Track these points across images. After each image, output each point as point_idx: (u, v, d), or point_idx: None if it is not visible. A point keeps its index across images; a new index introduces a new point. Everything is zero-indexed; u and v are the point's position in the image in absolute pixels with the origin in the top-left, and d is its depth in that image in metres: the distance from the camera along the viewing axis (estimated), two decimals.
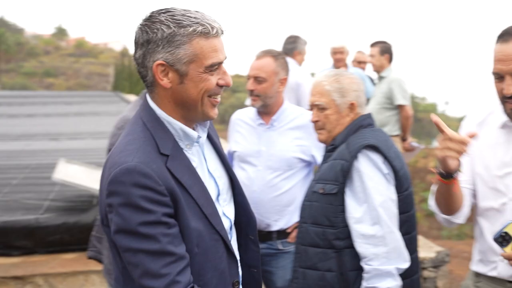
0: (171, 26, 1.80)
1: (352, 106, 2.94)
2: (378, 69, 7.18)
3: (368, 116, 2.99)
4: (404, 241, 2.76)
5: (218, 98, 1.93)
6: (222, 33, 1.89)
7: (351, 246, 2.76)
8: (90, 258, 3.86)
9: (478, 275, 2.65)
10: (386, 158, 2.77)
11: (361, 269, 2.74)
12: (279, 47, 6.60)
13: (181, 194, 1.82)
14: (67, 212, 5.61)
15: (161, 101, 1.90)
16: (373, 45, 7.27)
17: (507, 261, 2.36)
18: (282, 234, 3.55)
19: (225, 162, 2.13)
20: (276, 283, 3.58)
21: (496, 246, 2.44)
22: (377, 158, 2.77)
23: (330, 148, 2.93)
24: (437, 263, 5.73)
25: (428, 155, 19.33)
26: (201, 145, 2.01)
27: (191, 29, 1.81)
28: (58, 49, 67.43)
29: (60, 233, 5.42)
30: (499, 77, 2.38)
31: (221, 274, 1.94)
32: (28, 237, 5.36)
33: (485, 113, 2.68)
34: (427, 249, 5.86)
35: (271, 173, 3.51)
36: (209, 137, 2.09)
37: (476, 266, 2.65)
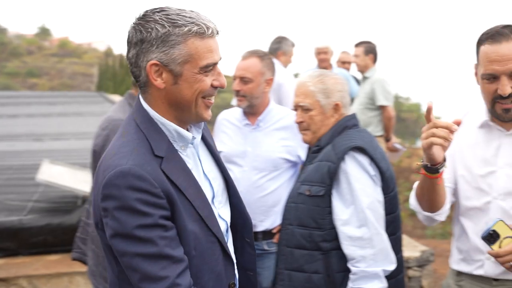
0: (166, 25, 1.78)
1: (336, 107, 2.94)
2: (363, 69, 7.20)
3: (353, 116, 3.00)
4: (390, 242, 2.77)
5: (212, 100, 1.91)
6: (218, 34, 1.87)
7: (338, 248, 2.76)
8: (74, 259, 3.84)
9: (460, 274, 2.66)
10: (372, 160, 2.78)
11: (348, 271, 2.75)
12: (265, 48, 6.60)
13: (177, 196, 1.80)
14: (51, 213, 5.57)
15: (154, 102, 1.87)
16: (357, 45, 7.29)
17: (493, 259, 2.38)
18: (268, 234, 3.55)
19: (220, 163, 2.11)
20: (262, 284, 3.58)
21: (482, 245, 2.46)
22: (363, 159, 2.77)
23: (315, 149, 2.93)
24: (422, 263, 5.76)
25: (412, 154, 19.41)
26: (195, 147, 1.98)
27: (186, 28, 1.79)
28: (41, 49, 66.86)
29: (44, 234, 5.39)
30: (492, 77, 2.40)
31: (217, 277, 1.93)
32: (12, 239, 5.32)
33: (460, 115, 2.70)
34: (412, 249, 5.90)
35: (257, 173, 3.51)
36: (203, 139, 2.07)
37: (457, 265, 2.67)
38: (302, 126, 2.99)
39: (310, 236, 2.79)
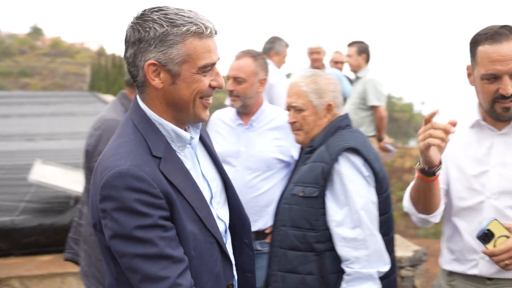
0: (164, 25, 1.76)
1: (329, 107, 2.94)
2: (355, 69, 7.21)
3: (346, 117, 3.00)
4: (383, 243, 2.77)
5: (210, 100, 1.89)
6: (216, 34, 1.86)
7: (332, 249, 2.76)
8: (67, 260, 3.83)
9: (451, 274, 2.67)
10: (366, 161, 2.78)
11: (341, 272, 2.74)
12: (257, 48, 6.60)
13: (176, 197, 1.78)
14: (43, 214, 5.55)
15: (152, 102, 1.86)
16: (350, 45, 7.30)
17: (488, 258, 2.39)
18: (261, 234, 3.55)
19: (218, 164, 2.10)
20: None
21: (476, 244, 2.47)
22: (357, 160, 2.77)
23: (308, 150, 2.92)
24: (415, 262, 5.78)
25: (405, 154, 19.49)
26: (193, 147, 1.97)
27: (184, 28, 1.77)
28: (33, 49, 66.63)
29: (36, 235, 5.38)
30: (493, 78, 2.40)
31: (216, 278, 1.91)
32: (4, 239, 5.31)
33: (449, 116, 2.70)
34: (405, 248, 5.91)
35: (250, 173, 3.51)
36: (201, 139, 2.05)
37: (449, 265, 2.67)
38: (295, 127, 2.99)
39: (304, 237, 2.79)
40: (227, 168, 3.55)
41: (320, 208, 2.77)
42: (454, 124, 2.22)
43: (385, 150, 7.19)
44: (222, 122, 3.71)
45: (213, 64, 1.85)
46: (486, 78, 2.41)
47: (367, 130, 6.88)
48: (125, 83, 3.70)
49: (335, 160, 2.75)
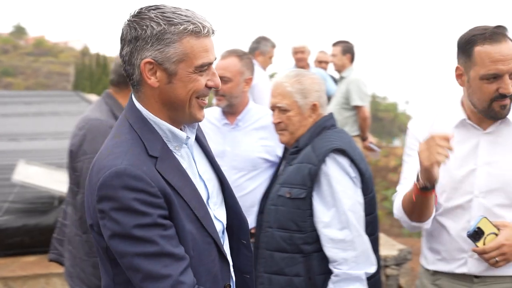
0: (161, 23, 1.75)
1: (314, 107, 2.93)
2: (340, 69, 7.24)
3: (331, 116, 3.00)
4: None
5: (206, 100, 1.88)
6: (213, 33, 1.85)
7: (319, 250, 2.76)
8: (51, 260, 3.81)
9: (436, 273, 2.68)
10: (352, 161, 2.78)
11: (329, 273, 2.75)
12: (244, 48, 6.59)
13: (174, 196, 1.77)
14: (27, 214, 5.51)
15: (147, 101, 1.84)
16: (335, 44, 7.33)
17: (477, 256, 2.42)
18: None
19: (215, 164, 2.08)
20: None
21: (464, 243, 2.50)
22: (344, 161, 2.77)
23: (294, 151, 2.92)
24: (400, 261, 5.81)
25: (389, 154, 19.56)
26: (190, 147, 1.95)
27: (182, 27, 1.76)
28: (16, 48, 66.03)
29: (20, 235, 5.34)
30: (493, 77, 2.41)
31: (214, 278, 1.90)
32: None
33: (430, 117, 2.71)
34: (389, 247, 5.94)
35: (235, 173, 3.50)
36: (197, 139, 2.04)
37: (433, 266, 2.68)
38: (280, 127, 2.98)
39: (291, 238, 2.78)
40: None
41: (307, 210, 2.76)
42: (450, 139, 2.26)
43: (369, 149, 7.23)
44: (207, 122, 3.70)
45: (209, 64, 1.84)
46: (486, 78, 2.42)
47: (351, 129, 6.90)
48: (110, 83, 3.68)
49: (322, 161, 2.75)
